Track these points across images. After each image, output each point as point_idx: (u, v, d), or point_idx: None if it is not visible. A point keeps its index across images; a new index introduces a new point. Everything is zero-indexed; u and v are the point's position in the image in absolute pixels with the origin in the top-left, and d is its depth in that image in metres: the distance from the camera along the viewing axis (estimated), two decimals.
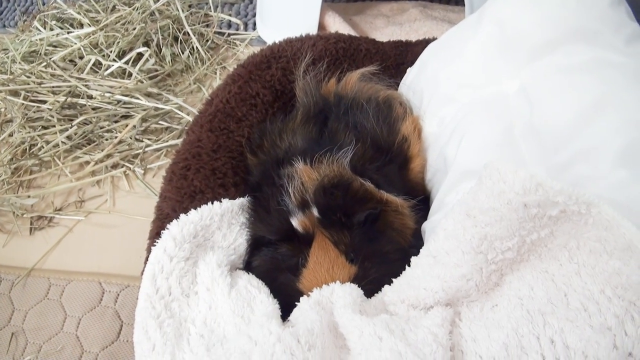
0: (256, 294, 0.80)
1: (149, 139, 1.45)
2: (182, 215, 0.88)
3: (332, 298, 0.75)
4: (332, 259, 0.82)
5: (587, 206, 0.62)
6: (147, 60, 1.62)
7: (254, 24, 1.86)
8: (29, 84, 1.55)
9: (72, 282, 1.18)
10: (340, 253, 0.82)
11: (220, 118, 1.09)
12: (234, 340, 0.70)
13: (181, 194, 0.96)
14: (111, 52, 1.62)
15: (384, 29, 1.74)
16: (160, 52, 1.69)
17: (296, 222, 0.84)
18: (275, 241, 0.87)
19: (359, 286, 0.79)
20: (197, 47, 1.72)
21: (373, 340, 0.64)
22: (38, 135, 1.46)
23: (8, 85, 1.54)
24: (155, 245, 0.85)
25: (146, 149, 1.43)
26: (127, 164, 1.41)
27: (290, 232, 0.85)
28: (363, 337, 0.65)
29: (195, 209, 0.90)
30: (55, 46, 1.70)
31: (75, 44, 1.65)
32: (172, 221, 0.88)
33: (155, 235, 0.91)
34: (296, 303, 0.77)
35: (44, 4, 2.01)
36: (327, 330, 0.69)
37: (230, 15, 1.90)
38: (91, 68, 1.60)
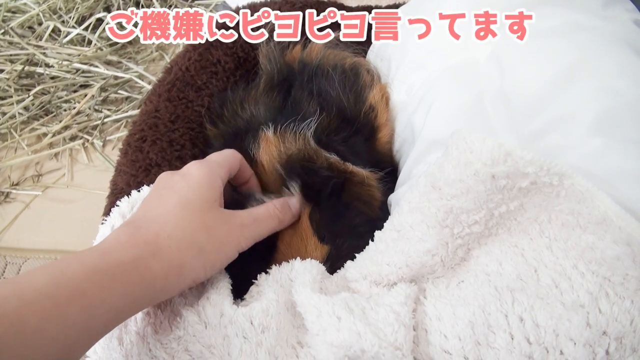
0: None
1: (108, 110, 1.40)
2: (133, 192, 0.83)
3: (291, 275, 0.70)
4: (305, 239, 0.78)
5: (560, 177, 0.59)
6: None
7: None
8: None
9: (29, 260, 1.14)
10: (312, 232, 0.78)
11: (179, 87, 1.04)
12: (183, 320, 0.65)
13: (136, 168, 0.91)
14: (70, 17, 1.55)
15: None
16: None
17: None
18: None
19: (332, 265, 0.75)
20: None
21: (331, 320, 0.60)
22: None
23: None
24: (103, 223, 0.80)
25: (105, 120, 1.38)
26: (85, 135, 1.35)
27: None
28: (321, 317, 0.61)
29: (149, 184, 0.84)
30: (14, 12, 1.63)
31: (34, 9, 1.59)
32: (125, 196, 0.83)
33: (109, 211, 0.86)
34: (253, 280, 0.72)
35: None
36: (284, 310, 0.65)
37: None
38: (50, 35, 1.54)
